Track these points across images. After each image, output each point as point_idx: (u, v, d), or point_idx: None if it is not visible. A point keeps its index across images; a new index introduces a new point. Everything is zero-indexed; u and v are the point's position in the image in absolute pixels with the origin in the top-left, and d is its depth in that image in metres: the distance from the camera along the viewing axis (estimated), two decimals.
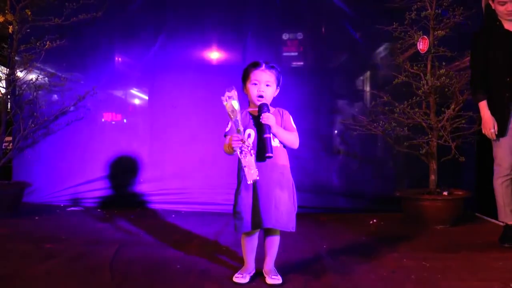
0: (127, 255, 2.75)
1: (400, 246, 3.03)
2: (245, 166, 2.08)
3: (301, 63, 4.55)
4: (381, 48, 4.17)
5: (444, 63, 3.63)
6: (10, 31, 3.80)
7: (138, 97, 4.76)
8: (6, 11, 3.74)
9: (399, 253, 2.85)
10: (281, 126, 2.24)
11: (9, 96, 4.10)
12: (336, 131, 4.41)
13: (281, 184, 2.20)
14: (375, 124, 3.86)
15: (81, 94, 4.36)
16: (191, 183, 4.49)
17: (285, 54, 4.55)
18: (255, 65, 2.25)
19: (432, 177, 3.79)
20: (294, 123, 2.32)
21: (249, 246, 2.33)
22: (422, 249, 2.98)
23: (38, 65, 4.19)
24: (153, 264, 2.58)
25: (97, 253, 2.79)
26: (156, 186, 4.54)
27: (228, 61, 4.60)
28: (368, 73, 4.36)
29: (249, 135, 2.20)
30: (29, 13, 3.81)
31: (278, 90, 2.32)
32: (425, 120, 3.72)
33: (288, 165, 2.28)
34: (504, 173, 2.95)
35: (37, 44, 3.91)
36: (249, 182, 2.09)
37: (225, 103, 2.04)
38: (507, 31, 2.93)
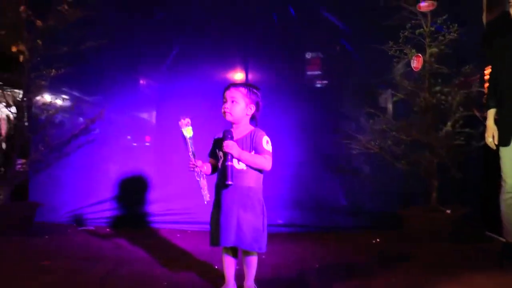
0: (120, 272, 2.85)
1: (397, 265, 3.00)
2: (201, 188, 2.25)
3: (302, 82, 4.60)
4: (379, 66, 4.17)
5: (440, 80, 3.62)
6: (21, 60, 4.04)
7: (145, 119, 4.92)
8: (19, 42, 3.99)
9: (395, 272, 2.82)
10: (251, 149, 2.31)
11: (23, 121, 4.32)
12: (337, 149, 4.41)
13: (244, 206, 2.26)
14: (372, 142, 3.85)
15: (91, 118, 4.55)
16: (196, 203, 4.54)
17: (285, 74, 4.60)
18: (226, 87, 2.37)
19: (434, 194, 3.74)
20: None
21: (227, 263, 2.41)
22: (420, 268, 2.94)
23: (49, 90, 4.42)
24: (141, 281, 2.67)
25: (91, 270, 2.90)
26: (162, 206, 4.63)
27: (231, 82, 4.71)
28: (367, 91, 4.36)
29: (220, 157, 2.31)
30: (40, 43, 4.05)
31: (252, 108, 2.39)
32: (424, 138, 3.69)
33: (257, 187, 2.34)
34: (508, 190, 2.84)
35: (44, 72, 4.13)
36: (205, 203, 2.25)
37: (182, 129, 2.24)
38: None
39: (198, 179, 2.27)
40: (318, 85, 4.62)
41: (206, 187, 2.26)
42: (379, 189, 4.31)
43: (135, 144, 4.85)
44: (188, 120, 2.25)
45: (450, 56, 3.73)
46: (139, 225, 4.56)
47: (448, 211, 3.65)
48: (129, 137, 4.85)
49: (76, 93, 4.76)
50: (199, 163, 2.27)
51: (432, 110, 3.67)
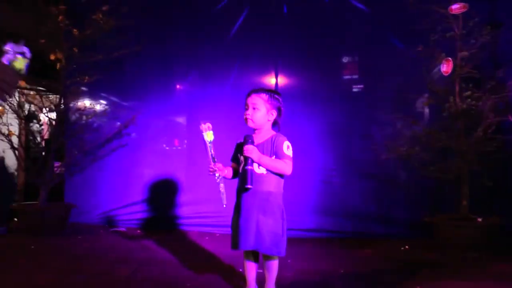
0: (145, 274, 2.93)
1: (425, 273, 2.94)
2: (220, 192, 2.31)
3: (331, 87, 4.57)
4: (409, 71, 4.09)
5: (470, 84, 3.52)
6: (57, 67, 4.22)
7: (176, 124, 5.03)
8: (57, 50, 4.18)
9: (422, 280, 2.77)
10: (272, 153, 2.32)
11: (59, 125, 4.51)
12: (366, 155, 4.35)
13: (264, 210, 2.28)
14: (400, 149, 3.77)
15: (124, 123, 4.70)
16: (227, 206, 4.61)
17: (315, 78, 4.59)
18: (248, 93, 2.40)
19: (464, 202, 3.63)
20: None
21: (248, 266, 2.44)
22: (449, 277, 2.87)
23: (85, 96, 4.60)
24: (165, 283, 2.73)
25: (119, 270, 2.99)
26: (192, 209, 4.71)
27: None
28: (397, 96, 4.28)
29: (241, 161, 2.33)
30: (76, 50, 4.23)
31: (273, 114, 2.40)
32: (454, 144, 3.59)
33: (277, 192, 2.34)
34: None
35: (78, 78, 4.31)
36: (223, 206, 2.31)
37: (203, 134, 2.29)
38: None
39: (218, 182, 2.31)
40: (348, 90, 4.58)
41: (224, 191, 2.30)
42: (408, 196, 4.23)
43: (167, 148, 4.95)
44: (208, 124, 2.29)
45: (482, 59, 3.62)
46: (169, 227, 4.66)
47: (479, 220, 3.54)
48: (165, 145, 4.96)
49: (110, 99, 4.95)
50: (219, 166, 2.30)
51: (463, 116, 3.56)
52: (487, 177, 3.46)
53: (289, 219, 4.16)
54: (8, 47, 1.43)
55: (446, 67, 3.51)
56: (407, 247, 3.81)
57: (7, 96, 1.38)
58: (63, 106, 4.46)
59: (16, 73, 1.39)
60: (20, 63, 1.42)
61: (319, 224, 4.41)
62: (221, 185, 2.32)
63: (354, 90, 4.58)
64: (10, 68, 1.37)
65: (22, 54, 1.41)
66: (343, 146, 4.47)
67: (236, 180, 2.45)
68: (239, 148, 2.38)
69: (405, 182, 4.29)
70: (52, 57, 4.18)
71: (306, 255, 3.51)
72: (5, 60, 1.40)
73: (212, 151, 2.29)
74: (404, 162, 4.05)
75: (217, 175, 2.29)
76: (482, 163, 3.50)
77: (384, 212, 4.27)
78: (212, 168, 2.29)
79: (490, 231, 3.51)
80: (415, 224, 4.01)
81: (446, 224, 3.61)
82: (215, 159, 2.30)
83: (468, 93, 3.46)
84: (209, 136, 2.28)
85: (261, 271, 2.49)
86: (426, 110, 4.06)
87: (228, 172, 2.41)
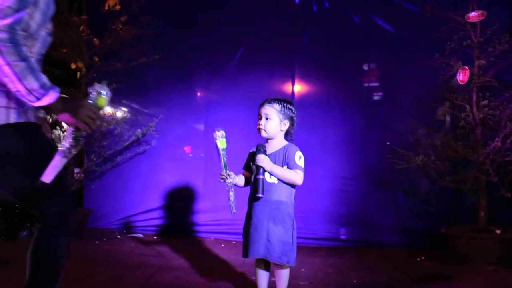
0: (158, 280, 2.97)
1: (441, 285, 2.90)
2: (228, 199, 2.31)
3: (348, 95, 4.55)
4: (426, 79, 4.06)
5: (488, 93, 3.47)
6: (78, 76, 4.34)
7: (194, 131, 5.09)
8: (78, 59, 4.30)
9: None
10: (283, 163, 2.34)
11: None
12: (383, 164, 4.32)
13: (274, 219, 2.29)
14: (416, 158, 3.73)
15: (143, 130, 4.78)
16: (242, 213, 4.62)
17: (332, 86, 4.60)
18: (261, 103, 2.43)
19: (482, 213, 3.56)
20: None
21: (259, 275, 2.45)
22: None
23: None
24: None
25: (133, 276, 3.04)
26: (209, 216, 4.75)
27: (277, 96, 4.76)
28: (413, 105, 4.25)
29: (253, 170, 2.35)
30: (97, 59, 4.34)
31: (286, 124, 2.42)
32: (471, 154, 3.54)
33: (288, 201, 2.35)
34: None
35: None
36: (231, 213, 2.31)
37: (216, 141, 2.30)
38: None
39: (227, 190, 2.32)
40: (366, 98, 4.56)
41: (233, 199, 2.31)
42: (425, 206, 4.17)
43: (196, 155, 5.01)
44: (222, 132, 2.31)
45: (501, 68, 3.57)
46: (185, 234, 4.71)
47: (498, 231, 3.46)
48: (185, 149, 5.05)
49: (131, 106, 5.04)
50: (230, 174, 2.33)
51: (480, 125, 3.51)
52: (507, 188, 3.39)
53: (304, 228, 4.26)
54: (91, 89, 1.65)
55: (462, 76, 3.47)
56: (423, 258, 3.75)
57: (90, 131, 1.61)
58: None
59: (99, 109, 1.61)
60: (102, 101, 1.63)
61: (334, 233, 4.39)
62: (231, 193, 2.33)
63: (371, 98, 4.57)
64: (93, 106, 1.60)
65: (104, 93, 1.64)
66: (359, 154, 4.44)
67: (247, 188, 2.47)
68: (252, 157, 2.41)
69: (422, 191, 4.24)
70: (73, 66, 4.30)
71: (320, 264, 3.50)
72: (89, 99, 1.61)
73: (225, 158, 2.30)
74: (421, 172, 4.01)
75: (228, 181, 2.31)
76: (501, 174, 3.43)
77: (400, 222, 4.21)
78: (223, 175, 2.30)
79: (509, 244, 3.43)
80: (431, 234, 3.95)
81: (462, 235, 3.54)
82: (227, 166, 2.32)
83: (485, 102, 3.40)
84: (222, 143, 2.29)
85: (273, 279, 2.49)
86: (443, 119, 4.00)
87: (240, 180, 2.43)
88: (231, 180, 2.33)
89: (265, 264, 2.43)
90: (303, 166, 2.36)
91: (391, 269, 3.45)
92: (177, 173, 4.92)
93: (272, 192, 2.32)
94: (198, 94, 5.02)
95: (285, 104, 2.43)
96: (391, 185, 4.28)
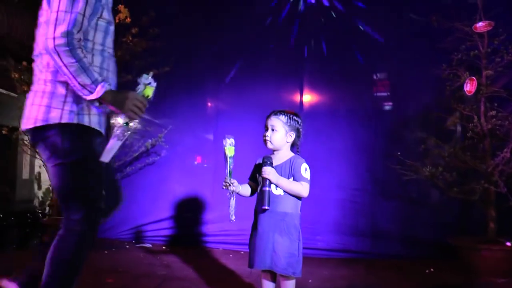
0: None
1: None
2: (229, 206, 2.34)
3: (355, 106, 4.57)
4: (434, 90, 4.06)
5: (496, 104, 3.45)
6: None
7: (203, 141, 5.13)
8: None
9: None
10: (290, 175, 2.35)
11: None
12: (391, 175, 4.30)
13: (280, 230, 2.30)
14: (423, 169, 3.71)
15: (152, 141, 4.83)
16: (251, 224, 4.64)
17: (340, 98, 4.62)
18: (268, 115, 2.45)
19: (492, 224, 3.52)
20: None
21: (265, 285, 2.44)
22: None
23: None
24: None
25: (140, 286, 3.07)
26: (218, 226, 4.74)
27: (285, 106, 4.78)
28: (421, 116, 4.24)
29: (259, 182, 2.38)
30: None
31: (292, 136, 2.43)
32: (479, 164, 3.51)
33: (294, 213, 2.35)
34: None
35: None
36: (230, 221, 2.34)
37: (224, 148, 2.31)
38: None
39: (229, 197, 2.35)
40: (374, 108, 4.56)
41: (233, 208, 2.34)
42: (435, 217, 4.14)
43: (205, 165, 5.04)
44: (232, 140, 2.32)
45: (509, 78, 3.56)
46: (194, 244, 4.72)
47: (509, 244, 3.42)
48: (194, 159, 5.08)
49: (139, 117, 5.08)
50: (233, 182, 2.35)
51: (489, 135, 3.49)
52: None
53: (313, 239, 4.24)
54: (139, 80, 1.87)
55: (470, 87, 3.46)
56: (432, 269, 3.72)
57: (136, 118, 1.85)
58: None
59: (146, 98, 1.84)
60: (149, 91, 1.86)
61: (343, 244, 4.36)
62: (232, 201, 2.36)
63: (380, 108, 4.57)
64: (139, 96, 1.84)
65: (150, 83, 1.86)
66: (368, 164, 4.44)
67: (253, 199, 2.48)
68: (258, 169, 2.43)
69: (431, 202, 4.21)
70: None
71: (328, 276, 3.49)
72: (137, 90, 1.84)
73: (231, 166, 2.32)
74: (430, 183, 3.98)
75: (230, 189, 2.33)
76: (510, 185, 3.40)
77: (409, 233, 4.18)
78: (227, 182, 2.32)
79: None
80: (441, 246, 3.91)
81: (473, 247, 3.51)
82: (231, 174, 2.34)
83: (493, 112, 3.39)
84: (230, 151, 2.31)
85: None
86: (451, 130, 3.98)
87: (244, 189, 2.45)
88: (234, 188, 2.35)
89: (271, 275, 2.44)
90: (309, 178, 2.36)
91: (400, 280, 3.43)
92: (186, 183, 4.94)
93: (278, 204, 2.33)
94: (208, 104, 5.07)
95: (291, 116, 2.45)
96: (399, 196, 4.26)
